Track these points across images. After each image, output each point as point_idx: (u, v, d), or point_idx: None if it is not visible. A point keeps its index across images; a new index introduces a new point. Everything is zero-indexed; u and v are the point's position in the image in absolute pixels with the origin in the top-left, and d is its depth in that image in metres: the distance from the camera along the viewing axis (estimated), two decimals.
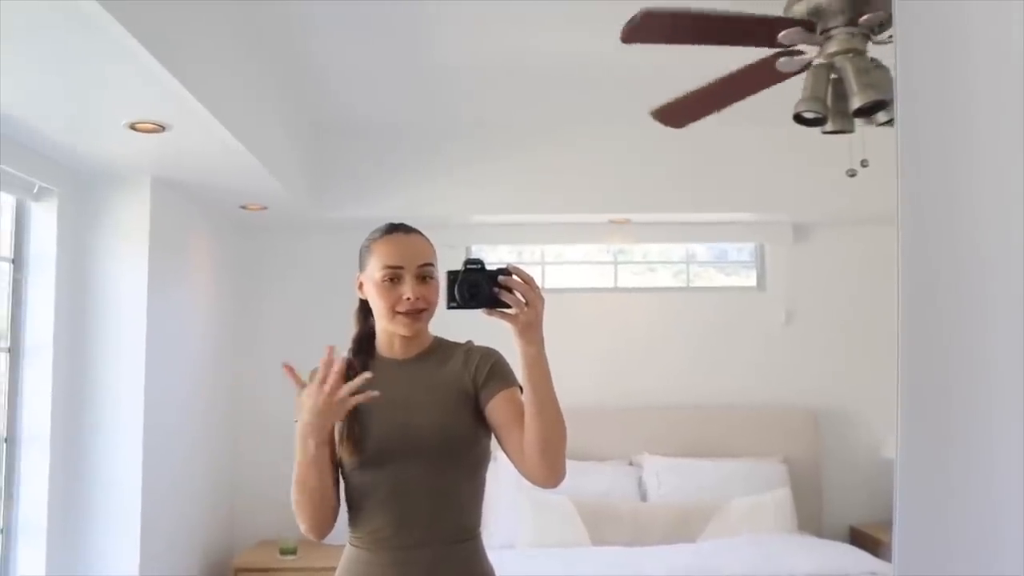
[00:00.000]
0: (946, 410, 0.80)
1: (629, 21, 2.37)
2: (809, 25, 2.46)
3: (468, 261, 1.58)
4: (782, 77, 2.65)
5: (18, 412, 3.20)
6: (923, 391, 0.82)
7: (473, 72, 3.69)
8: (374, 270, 1.73)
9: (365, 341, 1.81)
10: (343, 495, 1.75)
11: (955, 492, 0.79)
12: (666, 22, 2.40)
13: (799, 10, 2.47)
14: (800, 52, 2.57)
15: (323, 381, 1.59)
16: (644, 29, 2.41)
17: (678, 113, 2.92)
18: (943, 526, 0.80)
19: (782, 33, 2.46)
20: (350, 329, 1.84)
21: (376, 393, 1.62)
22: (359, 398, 1.61)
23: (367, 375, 1.63)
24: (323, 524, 1.70)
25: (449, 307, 1.61)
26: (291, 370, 1.66)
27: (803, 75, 2.60)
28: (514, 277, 1.55)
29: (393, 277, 1.71)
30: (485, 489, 1.78)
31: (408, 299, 1.70)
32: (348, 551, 1.74)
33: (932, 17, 0.83)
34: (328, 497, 1.68)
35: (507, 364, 1.77)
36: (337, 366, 1.60)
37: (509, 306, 1.55)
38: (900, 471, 0.81)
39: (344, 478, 1.74)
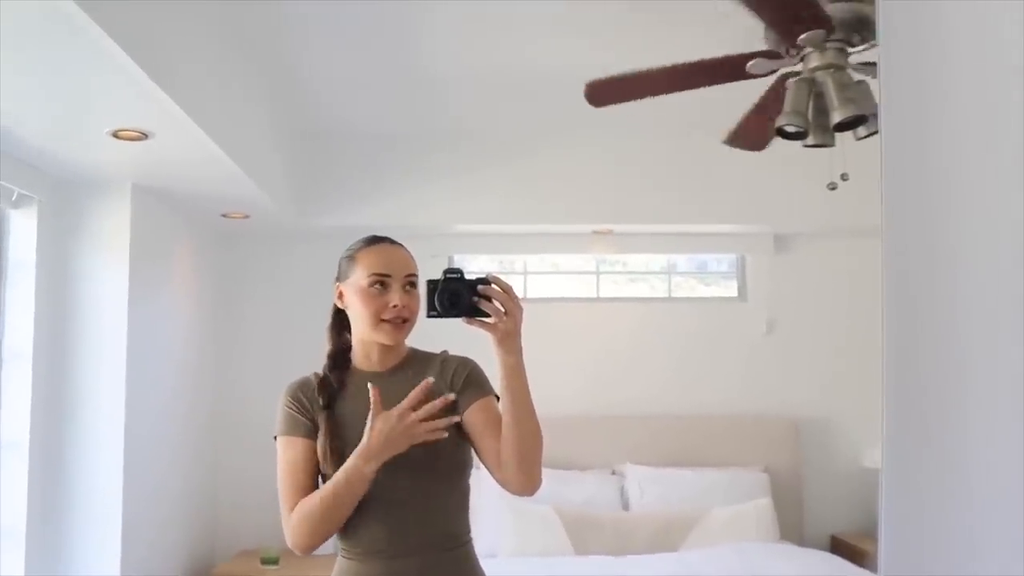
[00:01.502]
0: (932, 419, 0.81)
1: (584, 91, 2.38)
2: (773, 54, 2.49)
3: (448, 270, 1.60)
4: (744, 76, 2.64)
5: None
6: (908, 400, 0.83)
7: (458, 81, 3.70)
8: (360, 278, 1.73)
9: (339, 357, 1.82)
10: None
11: (941, 501, 0.80)
12: (614, 86, 2.42)
13: (770, 41, 2.51)
14: (777, 56, 2.58)
15: (412, 408, 1.60)
16: (600, 96, 2.43)
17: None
18: (929, 536, 0.81)
19: (750, 64, 2.50)
20: (324, 345, 1.84)
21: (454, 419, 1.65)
22: (437, 425, 1.62)
23: (451, 396, 1.66)
24: (322, 541, 1.69)
25: (429, 316, 1.63)
26: (377, 392, 1.63)
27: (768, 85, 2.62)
28: (493, 287, 1.57)
29: (381, 283, 1.72)
30: (470, 495, 1.79)
31: (395, 306, 1.71)
32: (340, 563, 1.74)
33: (914, 27, 0.84)
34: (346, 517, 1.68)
35: (483, 373, 1.78)
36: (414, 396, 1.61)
37: (489, 315, 1.56)
38: (885, 480, 0.82)
39: None
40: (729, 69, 2.60)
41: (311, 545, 1.67)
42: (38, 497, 3.23)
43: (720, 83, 2.66)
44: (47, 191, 3.29)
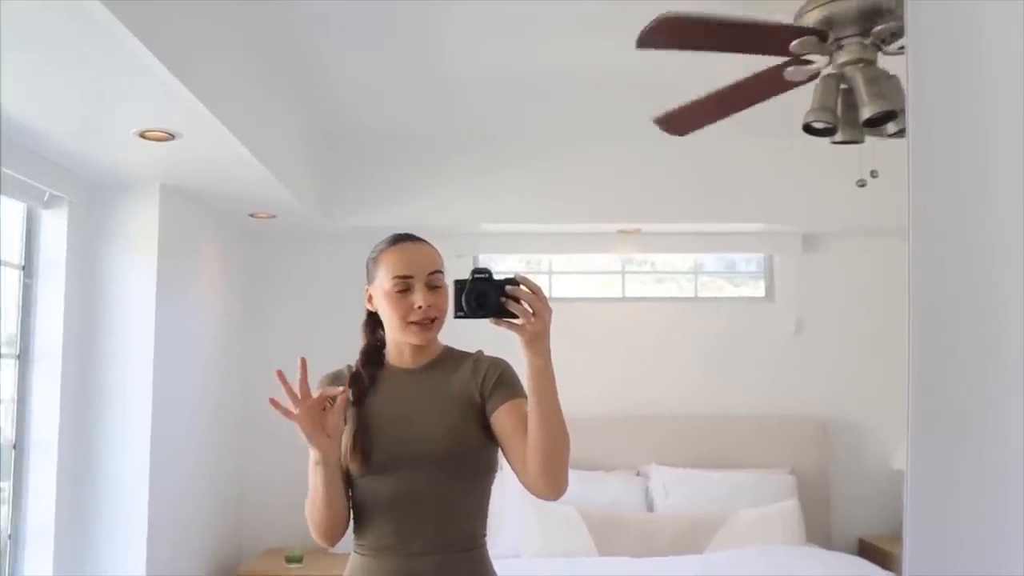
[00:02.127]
0: (957, 421, 0.80)
1: (646, 26, 2.36)
2: (821, 35, 2.46)
3: (476, 270, 1.58)
4: (789, 86, 2.65)
5: (27, 419, 3.20)
6: (934, 402, 0.82)
7: (482, 82, 3.70)
8: (383, 281, 1.73)
9: (373, 353, 1.81)
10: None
11: (966, 504, 0.78)
12: (682, 27, 2.40)
13: (811, 19, 2.46)
14: (809, 62, 2.57)
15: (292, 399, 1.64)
16: (660, 34, 2.41)
17: (681, 121, 2.89)
18: (954, 539, 0.79)
19: (794, 42, 2.46)
20: (358, 342, 1.84)
21: (340, 389, 1.67)
22: (336, 404, 1.65)
23: (338, 390, 1.67)
24: (333, 532, 1.70)
25: (456, 316, 1.61)
26: (281, 375, 1.66)
27: (810, 86, 2.60)
28: (522, 287, 1.54)
29: (404, 287, 1.71)
30: (490, 499, 1.77)
31: (419, 308, 1.70)
32: (353, 559, 1.74)
33: (944, 26, 0.82)
34: (337, 505, 1.69)
35: (515, 375, 1.76)
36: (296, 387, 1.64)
37: (517, 316, 1.54)
38: (911, 483, 0.81)
39: (352, 487, 1.74)
40: (775, 80, 2.61)
41: (320, 536, 1.71)
42: (66, 497, 3.27)
43: (780, 92, 2.67)
44: (77, 192, 3.33)
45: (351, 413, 1.72)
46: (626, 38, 3.23)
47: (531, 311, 1.53)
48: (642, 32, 2.39)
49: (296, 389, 1.64)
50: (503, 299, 1.54)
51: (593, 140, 4.37)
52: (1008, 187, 0.74)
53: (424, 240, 1.80)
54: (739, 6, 2.41)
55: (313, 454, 1.65)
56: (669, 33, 2.41)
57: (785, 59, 2.56)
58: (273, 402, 1.64)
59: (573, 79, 3.63)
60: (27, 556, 3.15)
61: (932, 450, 0.79)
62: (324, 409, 1.64)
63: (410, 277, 1.72)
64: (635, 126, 3.95)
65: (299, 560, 4.09)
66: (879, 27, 2.38)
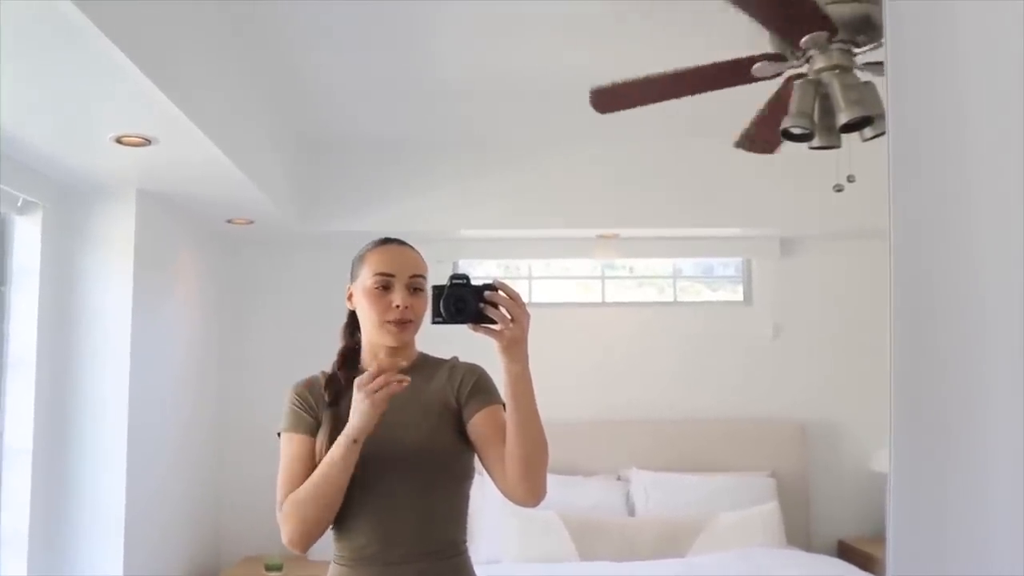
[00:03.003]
0: (940, 422, 0.80)
1: (589, 99, 2.37)
2: (778, 56, 2.48)
3: (454, 276, 1.57)
4: (751, 79, 2.63)
5: (1, 425, 3.16)
6: (916, 404, 0.82)
7: (462, 87, 3.69)
8: (365, 278, 1.73)
9: (350, 355, 1.80)
10: None
11: (949, 504, 0.79)
12: (619, 93, 2.41)
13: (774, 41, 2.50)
14: (782, 59, 2.57)
15: (372, 381, 1.56)
16: (605, 103, 2.42)
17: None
18: (938, 540, 0.80)
19: (755, 67, 2.49)
20: (337, 343, 1.83)
21: (405, 379, 1.58)
22: (392, 388, 1.57)
23: (402, 377, 1.59)
24: (317, 533, 1.65)
25: (434, 322, 1.60)
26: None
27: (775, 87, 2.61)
28: (500, 293, 1.54)
29: (384, 284, 1.71)
30: (469, 504, 1.76)
31: (397, 307, 1.70)
32: (333, 569, 1.72)
33: (922, 27, 0.83)
34: (338, 502, 1.64)
35: (491, 381, 1.76)
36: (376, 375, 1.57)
37: (495, 322, 1.53)
38: (893, 484, 0.81)
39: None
40: (735, 73, 2.59)
41: (301, 536, 1.62)
42: (41, 503, 3.23)
43: (726, 87, 2.65)
44: (52, 197, 3.29)
45: (326, 415, 1.71)
46: (605, 43, 3.25)
47: (509, 317, 1.53)
48: (591, 102, 2.40)
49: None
50: (481, 305, 1.54)
51: (572, 145, 4.38)
52: (987, 187, 0.75)
53: (411, 246, 1.80)
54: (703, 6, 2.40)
55: (352, 437, 1.58)
56: (612, 99, 2.41)
57: (750, 80, 2.58)
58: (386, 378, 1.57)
59: (551, 84, 3.63)
60: (1, 565, 3.10)
61: (914, 451, 0.80)
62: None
63: (391, 276, 1.72)
64: (615, 132, 3.97)
65: (279, 568, 4.06)
66: (843, 35, 2.41)
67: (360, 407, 1.57)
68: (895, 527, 0.79)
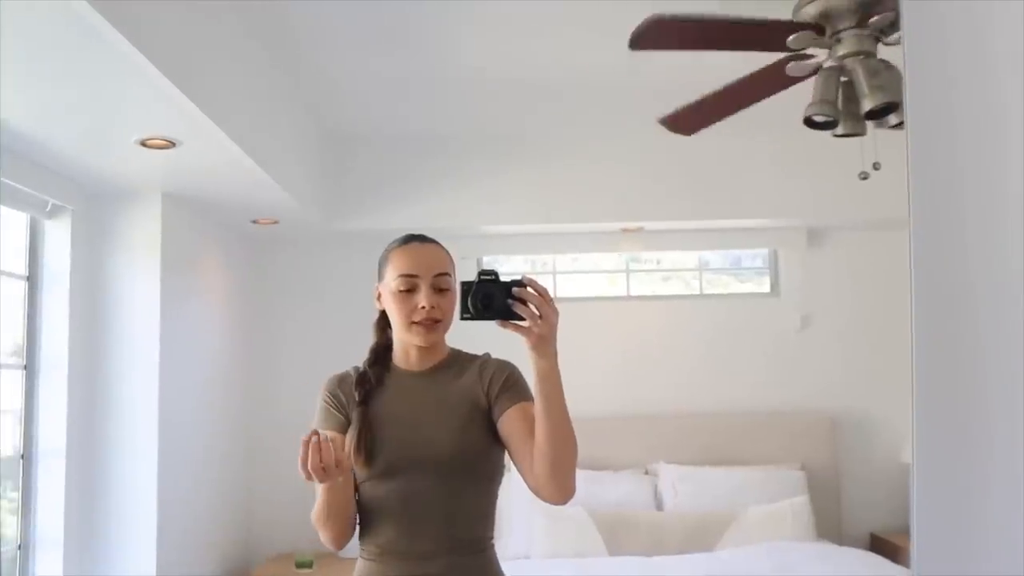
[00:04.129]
0: (963, 415, 0.79)
1: (637, 28, 2.36)
2: (818, 29, 2.44)
3: (482, 272, 1.56)
4: (792, 81, 2.64)
5: (34, 428, 3.21)
6: (939, 396, 0.81)
7: (485, 83, 3.69)
8: (390, 279, 1.73)
9: (382, 353, 1.80)
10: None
11: (973, 495, 0.77)
12: (673, 28, 2.39)
13: (808, 13, 2.45)
14: (809, 56, 2.56)
15: (303, 461, 1.51)
16: (651, 36, 2.40)
17: (687, 120, 2.91)
18: (962, 531, 0.79)
19: (791, 37, 2.45)
20: (366, 342, 1.84)
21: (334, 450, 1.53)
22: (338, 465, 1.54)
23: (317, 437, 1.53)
24: (342, 537, 1.70)
25: (462, 318, 1.59)
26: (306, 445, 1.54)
27: (809, 81, 2.59)
28: (528, 289, 1.52)
29: (409, 287, 1.70)
30: (497, 501, 1.76)
31: (423, 308, 1.69)
32: (360, 564, 1.73)
33: (940, 16, 0.81)
34: (345, 514, 1.68)
35: (522, 378, 1.75)
36: (312, 447, 1.51)
37: (523, 318, 1.52)
38: (917, 476, 0.80)
39: (356, 489, 1.73)
40: (777, 75, 2.61)
41: (332, 541, 1.68)
42: (75, 506, 3.28)
43: (783, 88, 2.66)
44: (80, 201, 3.33)
45: (356, 413, 1.71)
46: (626, 39, 3.23)
47: (538, 313, 1.52)
48: (633, 34, 2.38)
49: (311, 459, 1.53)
50: (509, 301, 1.53)
51: (595, 139, 4.37)
52: (1008, 177, 0.73)
53: (435, 241, 1.79)
54: (734, 5, 2.40)
55: (323, 488, 1.62)
56: (660, 34, 2.40)
57: (784, 54, 2.55)
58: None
59: (575, 79, 3.62)
60: (37, 566, 3.15)
61: (938, 444, 0.79)
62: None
63: (415, 276, 1.71)
64: (637, 125, 3.94)
65: (309, 565, 4.08)
66: (876, 18, 2.37)
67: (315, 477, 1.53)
68: (919, 521, 0.78)
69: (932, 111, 0.80)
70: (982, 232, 0.77)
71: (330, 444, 1.52)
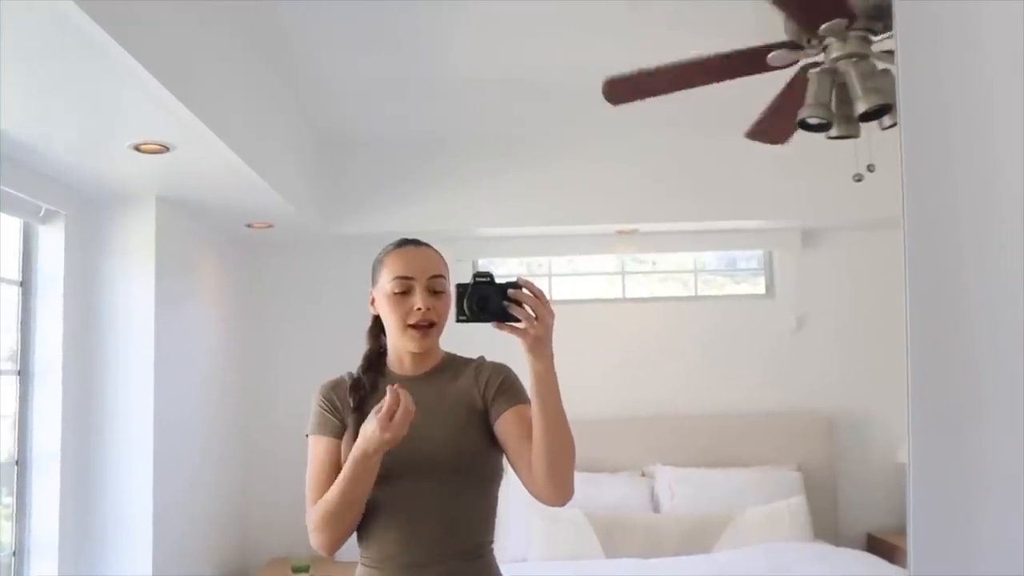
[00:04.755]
0: (958, 413, 0.79)
1: (602, 90, 2.35)
2: (793, 45, 2.46)
3: (478, 274, 1.56)
4: (768, 68, 2.60)
5: (28, 434, 3.20)
6: (933, 394, 0.81)
7: (479, 85, 3.69)
8: (385, 282, 1.72)
9: (375, 359, 1.80)
10: None
11: (969, 495, 0.77)
12: (632, 84, 2.39)
13: (791, 28, 2.47)
14: (798, 47, 2.54)
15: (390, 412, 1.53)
16: (618, 94, 2.40)
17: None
18: (958, 531, 0.79)
19: (771, 55, 2.47)
20: (362, 347, 1.83)
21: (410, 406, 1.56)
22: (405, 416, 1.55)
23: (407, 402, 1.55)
24: (340, 540, 1.66)
25: (458, 320, 1.58)
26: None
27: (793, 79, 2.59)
28: (524, 291, 1.52)
29: (404, 289, 1.70)
30: (497, 505, 1.75)
31: (418, 309, 1.69)
32: (359, 570, 1.72)
33: (932, 16, 0.82)
34: (359, 509, 1.64)
35: (518, 380, 1.74)
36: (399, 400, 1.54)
37: (519, 320, 1.52)
38: (913, 476, 0.80)
39: None
40: (750, 62, 2.56)
41: (329, 543, 1.64)
42: (70, 512, 3.26)
43: (740, 76, 2.62)
44: (74, 206, 3.32)
45: (351, 419, 1.71)
46: (623, 40, 3.24)
47: (534, 315, 1.51)
48: (603, 94, 2.37)
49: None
50: (505, 303, 1.52)
51: (589, 141, 4.37)
52: (1000, 177, 0.74)
53: (429, 245, 1.79)
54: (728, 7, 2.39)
55: (377, 459, 1.58)
56: (626, 91, 2.39)
57: (766, 70, 2.56)
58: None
59: (569, 81, 3.62)
60: (32, 572, 3.14)
61: (933, 444, 0.79)
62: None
63: (411, 279, 1.70)
64: (632, 127, 3.96)
65: (306, 570, 4.08)
66: (860, 23, 2.38)
67: (375, 436, 1.54)
68: (915, 520, 0.78)
69: (925, 112, 0.80)
70: (975, 232, 0.77)
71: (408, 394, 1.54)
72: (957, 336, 0.79)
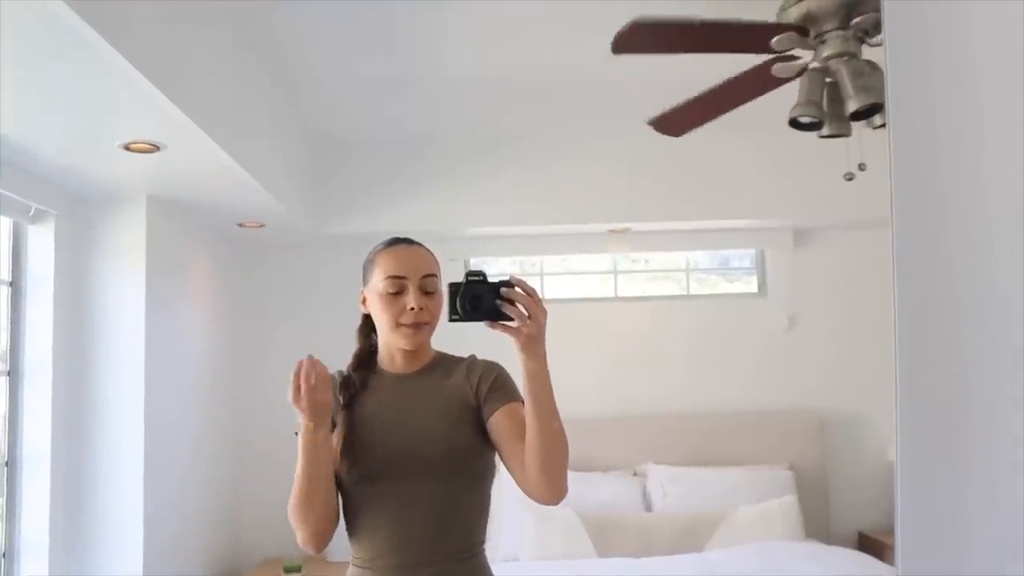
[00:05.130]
0: (945, 413, 0.79)
1: (619, 31, 2.36)
2: (802, 30, 2.45)
3: (470, 273, 1.55)
4: (778, 83, 2.65)
5: (18, 434, 3.18)
6: (922, 393, 0.81)
7: (470, 84, 3.69)
8: (377, 281, 1.72)
9: (366, 357, 1.80)
10: (342, 512, 1.73)
11: (956, 494, 0.77)
12: (654, 32, 2.39)
13: (792, 15, 2.46)
14: (794, 57, 2.56)
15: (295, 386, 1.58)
16: (633, 40, 2.40)
17: (676, 122, 2.92)
18: (946, 529, 0.79)
19: (775, 39, 2.46)
20: (353, 345, 1.83)
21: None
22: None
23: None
24: (321, 535, 1.66)
25: (451, 319, 1.58)
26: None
27: (796, 81, 2.59)
28: (517, 289, 1.51)
29: (396, 288, 1.70)
30: (490, 504, 1.75)
31: (411, 309, 1.68)
32: (351, 571, 1.72)
33: (922, 16, 0.82)
34: (322, 498, 1.63)
35: (510, 378, 1.74)
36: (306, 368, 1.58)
37: (511, 319, 1.51)
38: (900, 475, 0.80)
39: (344, 494, 1.71)
40: (764, 75, 2.61)
41: (311, 537, 1.65)
42: (60, 512, 3.25)
43: (770, 89, 2.67)
44: (64, 206, 3.31)
45: (341, 417, 1.70)
46: (611, 40, 3.23)
47: (526, 314, 1.51)
48: (616, 37, 2.38)
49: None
50: (498, 302, 1.51)
51: (582, 140, 4.37)
52: (989, 176, 0.74)
53: (421, 244, 1.79)
54: (718, 6, 2.40)
55: (307, 429, 1.59)
56: (642, 38, 2.40)
57: (768, 56, 2.56)
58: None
59: (561, 80, 3.62)
60: (21, 573, 3.13)
61: (921, 443, 0.79)
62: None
63: (403, 278, 1.70)
64: (624, 126, 3.95)
65: (298, 570, 4.07)
66: (859, 19, 2.38)
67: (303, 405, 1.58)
68: (903, 519, 0.78)
69: (914, 111, 0.80)
70: (963, 231, 0.77)
71: (323, 367, 1.58)
72: (945, 336, 0.79)
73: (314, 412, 1.58)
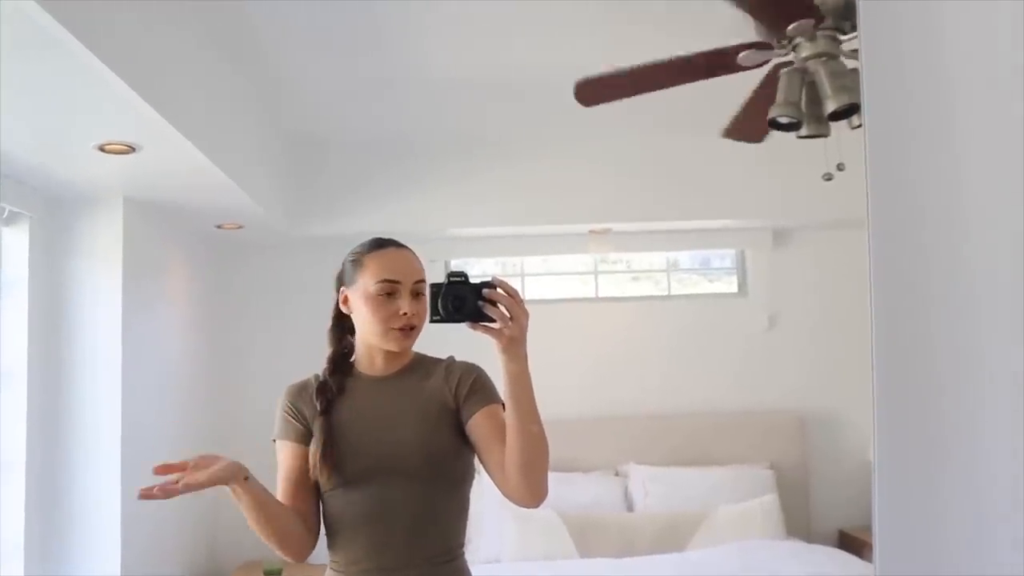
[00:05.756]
0: (922, 412, 0.79)
1: (573, 92, 2.35)
2: (764, 45, 2.47)
3: (452, 274, 1.54)
4: (739, 68, 2.61)
5: None
6: (898, 393, 0.81)
7: (451, 85, 3.68)
8: (367, 283, 1.69)
9: (340, 361, 1.78)
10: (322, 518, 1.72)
11: (934, 493, 0.77)
12: (603, 86, 2.39)
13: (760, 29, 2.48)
14: (768, 47, 2.55)
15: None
16: (589, 96, 2.39)
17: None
18: (923, 528, 0.79)
19: (741, 55, 2.48)
20: (326, 348, 1.81)
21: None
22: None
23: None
24: (299, 551, 1.67)
25: (432, 320, 1.57)
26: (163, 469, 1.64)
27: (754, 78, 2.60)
28: (499, 290, 1.51)
29: (390, 291, 1.68)
30: (469, 507, 1.74)
31: (405, 314, 1.67)
32: (328, 575, 1.71)
33: (896, 17, 0.82)
34: (281, 522, 1.64)
35: (489, 380, 1.73)
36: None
37: (494, 320, 1.50)
38: (878, 475, 0.80)
39: (322, 501, 1.70)
40: (720, 62, 2.57)
41: (286, 554, 1.66)
42: (36, 514, 3.21)
43: (712, 76, 2.63)
44: (38, 207, 3.27)
45: (318, 423, 1.68)
46: (595, 40, 3.23)
47: (508, 315, 1.50)
48: (574, 93, 2.37)
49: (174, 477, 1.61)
50: (480, 303, 1.50)
51: (562, 141, 4.37)
52: (964, 176, 0.74)
53: (408, 247, 1.77)
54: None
55: (234, 492, 1.63)
56: (597, 92, 2.39)
57: (737, 70, 2.57)
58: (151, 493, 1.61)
59: (540, 81, 3.62)
60: None
61: (898, 443, 0.79)
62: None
63: (398, 282, 1.68)
64: (605, 126, 3.96)
65: (278, 573, 4.04)
66: (829, 23, 2.39)
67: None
68: (880, 518, 0.78)
69: (889, 111, 0.80)
70: (939, 231, 0.77)
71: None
72: (922, 336, 0.79)
73: (219, 481, 1.59)
